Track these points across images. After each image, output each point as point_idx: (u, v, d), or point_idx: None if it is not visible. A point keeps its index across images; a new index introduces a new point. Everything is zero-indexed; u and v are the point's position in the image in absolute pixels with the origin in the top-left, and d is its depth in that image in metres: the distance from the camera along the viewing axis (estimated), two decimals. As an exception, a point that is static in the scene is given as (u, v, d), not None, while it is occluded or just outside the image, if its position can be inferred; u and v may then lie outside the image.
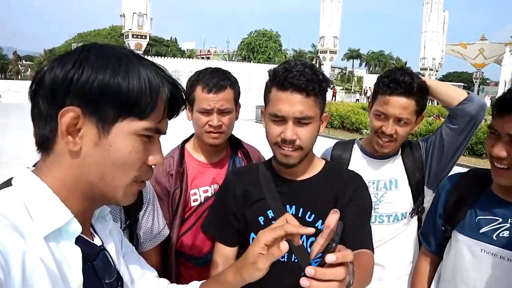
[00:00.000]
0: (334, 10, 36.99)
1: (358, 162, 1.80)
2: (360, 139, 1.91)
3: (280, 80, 1.21)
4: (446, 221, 1.41)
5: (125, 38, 30.31)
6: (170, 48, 60.76)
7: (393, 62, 70.11)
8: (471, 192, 1.36)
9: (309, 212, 1.31)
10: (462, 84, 58.24)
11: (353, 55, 71.16)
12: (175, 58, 37.50)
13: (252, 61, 49.41)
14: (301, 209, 1.32)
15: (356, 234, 1.24)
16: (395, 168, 1.77)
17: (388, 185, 1.75)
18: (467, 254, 1.31)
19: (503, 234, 1.26)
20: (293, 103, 1.20)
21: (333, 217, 0.88)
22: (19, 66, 52.83)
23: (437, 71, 46.16)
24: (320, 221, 1.29)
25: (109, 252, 0.82)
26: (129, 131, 0.70)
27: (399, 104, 1.57)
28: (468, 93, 1.64)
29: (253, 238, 1.33)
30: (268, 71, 1.32)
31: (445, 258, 1.40)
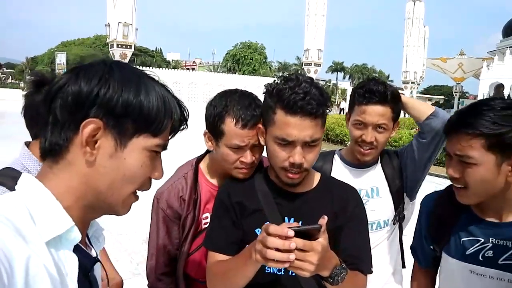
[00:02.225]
0: (318, 23, 37.55)
1: (339, 172, 1.82)
2: (340, 149, 1.94)
3: (289, 103, 1.17)
4: (433, 243, 1.42)
5: (110, 48, 30.06)
6: (155, 58, 60.60)
7: (376, 75, 71.24)
8: (451, 213, 1.36)
9: (307, 225, 1.30)
10: (443, 97, 59.59)
11: (337, 67, 72.16)
12: (160, 68, 37.30)
13: (237, 73, 49.50)
14: (300, 222, 1.30)
15: (356, 253, 1.29)
16: (376, 176, 1.81)
17: (370, 193, 1.79)
18: (458, 275, 1.32)
19: (488, 254, 1.26)
20: (302, 127, 1.18)
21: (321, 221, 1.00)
22: (0, 73, 51.77)
23: (418, 84, 47.06)
24: None
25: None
26: (144, 146, 0.75)
27: (376, 112, 1.63)
28: (435, 109, 1.71)
29: None
30: (266, 87, 1.28)
31: (440, 276, 1.41)
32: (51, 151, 0.72)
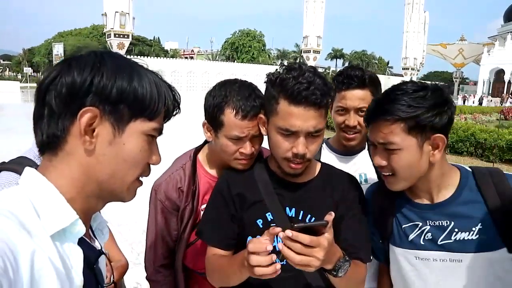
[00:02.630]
0: (317, 10, 37.21)
1: (327, 161, 1.80)
2: (328, 138, 1.94)
3: (293, 93, 1.15)
4: (381, 237, 1.41)
5: (107, 38, 29.86)
6: (153, 47, 60.20)
7: (376, 61, 70.96)
8: (388, 201, 1.36)
9: (309, 215, 1.30)
10: (443, 83, 59.40)
11: (336, 54, 71.74)
12: (159, 57, 37.13)
13: (236, 61, 49.26)
14: (302, 212, 1.31)
15: (357, 242, 1.30)
16: (363, 163, 1.81)
17: (359, 180, 1.78)
18: (406, 264, 1.33)
19: (427, 237, 1.28)
20: (306, 118, 1.17)
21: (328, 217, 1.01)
22: (-4, 65, 51.68)
23: (418, 70, 46.86)
24: None
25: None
26: (141, 130, 0.77)
27: (356, 96, 1.66)
28: None
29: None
30: (268, 76, 1.27)
31: (391, 270, 1.41)
32: (49, 144, 0.73)
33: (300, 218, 1.30)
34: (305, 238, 0.96)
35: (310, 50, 36.82)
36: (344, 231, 1.30)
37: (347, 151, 1.81)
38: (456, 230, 1.24)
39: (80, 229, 0.71)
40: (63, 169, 0.73)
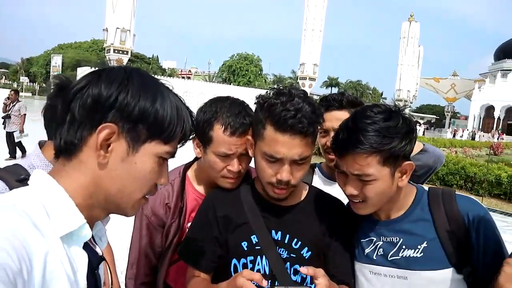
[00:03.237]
0: (315, 38, 37.98)
1: (318, 185, 1.80)
2: (321, 163, 1.94)
3: (279, 121, 1.14)
4: None
5: (107, 53, 30.10)
6: (151, 65, 60.71)
7: (370, 92, 72.02)
8: (353, 222, 1.39)
9: (295, 239, 1.29)
10: (435, 116, 60.37)
11: (332, 83, 72.77)
12: (156, 75, 37.28)
13: (232, 83, 49.75)
14: (288, 236, 1.29)
15: (340, 267, 1.31)
16: None
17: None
18: (362, 278, 1.34)
19: (380, 252, 1.30)
20: (292, 146, 1.16)
21: (310, 271, 1.04)
22: (-7, 74, 51.63)
23: (411, 102, 47.69)
24: (306, 248, 1.29)
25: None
26: (154, 152, 0.78)
27: (335, 117, 1.67)
28: (424, 145, 1.75)
29: (234, 264, 1.30)
30: (257, 98, 1.26)
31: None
32: (66, 150, 0.74)
33: (286, 241, 1.29)
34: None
35: (306, 77, 37.36)
36: (332, 258, 1.31)
37: (332, 171, 1.79)
38: (404, 247, 1.26)
39: (87, 233, 0.73)
40: (75, 175, 0.74)
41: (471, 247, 1.21)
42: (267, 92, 1.25)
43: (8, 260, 0.56)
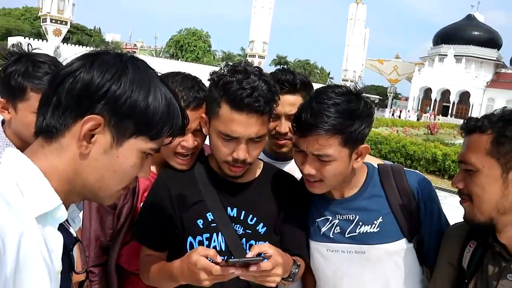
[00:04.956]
0: (265, 16, 37.74)
1: None
2: None
3: (235, 100, 1.12)
4: None
5: (43, 22, 27.85)
6: (93, 38, 57.12)
7: (318, 71, 73.48)
8: (307, 198, 1.39)
9: (251, 215, 1.30)
10: (378, 97, 63.12)
11: (280, 61, 73.13)
12: (98, 49, 35.22)
13: (180, 59, 48.35)
14: (243, 212, 1.30)
15: (294, 242, 1.34)
16: (297, 169, 1.76)
17: None
18: (319, 256, 1.37)
19: (337, 230, 1.34)
20: (248, 125, 1.14)
21: (262, 248, 1.05)
22: None
23: (356, 83, 49.30)
24: (262, 224, 1.31)
25: None
26: (138, 148, 0.76)
27: (287, 102, 1.58)
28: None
29: (190, 242, 1.29)
30: (211, 75, 1.21)
31: (311, 266, 1.44)
32: (47, 132, 0.71)
33: (242, 218, 1.29)
34: (266, 266, 1.00)
35: (255, 55, 37.19)
36: (285, 232, 1.34)
37: (279, 157, 1.74)
38: (361, 223, 1.31)
39: (62, 215, 0.71)
40: (53, 159, 0.72)
41: (420, 218, 1.31)
42: (220, 68, 1.21)
43: None
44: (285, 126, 1.61)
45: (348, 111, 1.17)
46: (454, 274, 1.25)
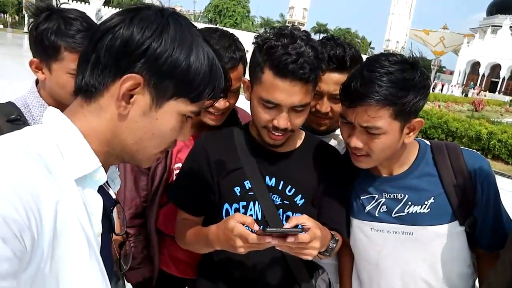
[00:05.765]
0: (306, -19, 36.38)
1: None
2: None
3: (279, 65, 1.07)
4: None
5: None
6: (133, 1, 57.45)
7: (359, 40, 70.93)
8: (350, 173, 1.35)
9: (289, 186, 1.27)
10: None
11: (320, 29, 70.97)
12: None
13: (218, 25, 47.85)
14: (282, 182, 1.27)
15: (333, 216, 1.30)
16: (336, 143, 1.68)
17: None
18: (361, 235, 1.33)
19: (382, 209, 1.29)
20: (291, 92, 1.10)
21: (300, 220, 1.01)
22: None
23: (412, 51, 47.18)
24: (300, 196, 1.27)
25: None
26: (178, 110, 0.73)
27: (332, 80, 1.44)
28: None
29: (226, 209, 1.28)
30: (256, 39, 1.16)
31: (351, 244, 1.40)
32: (86, 92, 0.70)
33: (280, 188, 1.27)
34: (304, 238, 0.97)
35: (295, 22, 36.26)
36: (325, 206, 1.30)
37: (319, 132, 1.61)
38: (410, 203, 1.26)
39: (101, 177, 0.70)
40: (92, 120, 0.70)
41: (476, 200, 1.23)
42: (266, 31, 1.16)
43: (14, 213, 0.50)
44: (326, 106, 1.48)
45: (402, 81, 1.10)
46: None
